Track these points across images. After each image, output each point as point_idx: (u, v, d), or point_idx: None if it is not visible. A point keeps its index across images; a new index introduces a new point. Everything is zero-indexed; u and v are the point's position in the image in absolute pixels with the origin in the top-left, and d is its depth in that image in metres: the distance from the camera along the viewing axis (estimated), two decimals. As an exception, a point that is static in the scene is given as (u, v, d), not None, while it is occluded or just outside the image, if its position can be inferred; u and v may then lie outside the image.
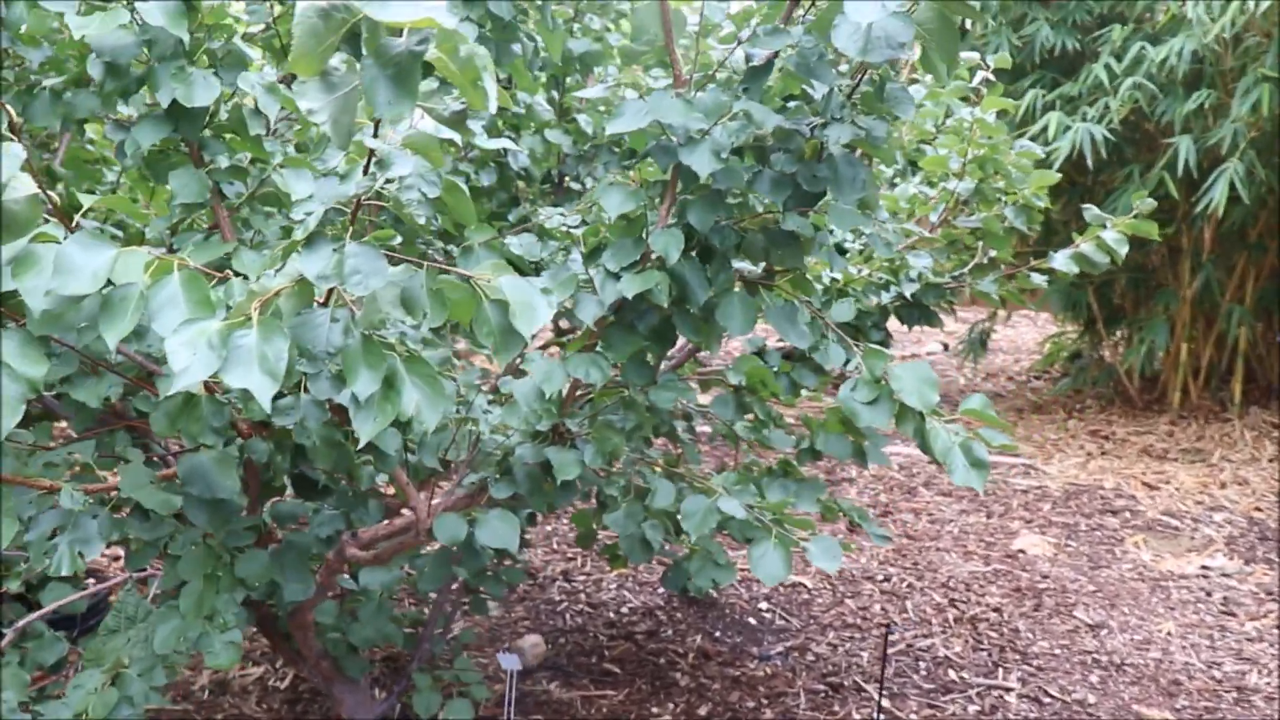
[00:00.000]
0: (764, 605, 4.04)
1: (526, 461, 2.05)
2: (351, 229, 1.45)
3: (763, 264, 2.09)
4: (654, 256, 1.87)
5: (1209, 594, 4.19)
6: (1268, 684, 3.50)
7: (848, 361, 1.96)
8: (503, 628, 3.92)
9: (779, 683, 3.49)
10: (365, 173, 1.51)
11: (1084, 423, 6.45)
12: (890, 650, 3.69)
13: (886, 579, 4.26)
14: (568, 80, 3.30)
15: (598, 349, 1.97)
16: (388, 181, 1.48)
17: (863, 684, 3.47)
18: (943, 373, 8.05)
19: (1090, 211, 3.06)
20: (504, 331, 1.40)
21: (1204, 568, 4.44)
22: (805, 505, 2.56)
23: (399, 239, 1.92)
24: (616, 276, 1.86)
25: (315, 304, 1.49)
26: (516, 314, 1.38)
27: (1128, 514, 5.02)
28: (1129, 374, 6.60)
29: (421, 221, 1.69)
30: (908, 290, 2.98)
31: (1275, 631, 3.88)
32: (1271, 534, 4.78)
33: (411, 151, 1.50)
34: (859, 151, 2.06)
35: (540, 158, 3.05)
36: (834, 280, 2.71)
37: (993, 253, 3.16)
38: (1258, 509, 5.05)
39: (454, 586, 3.24)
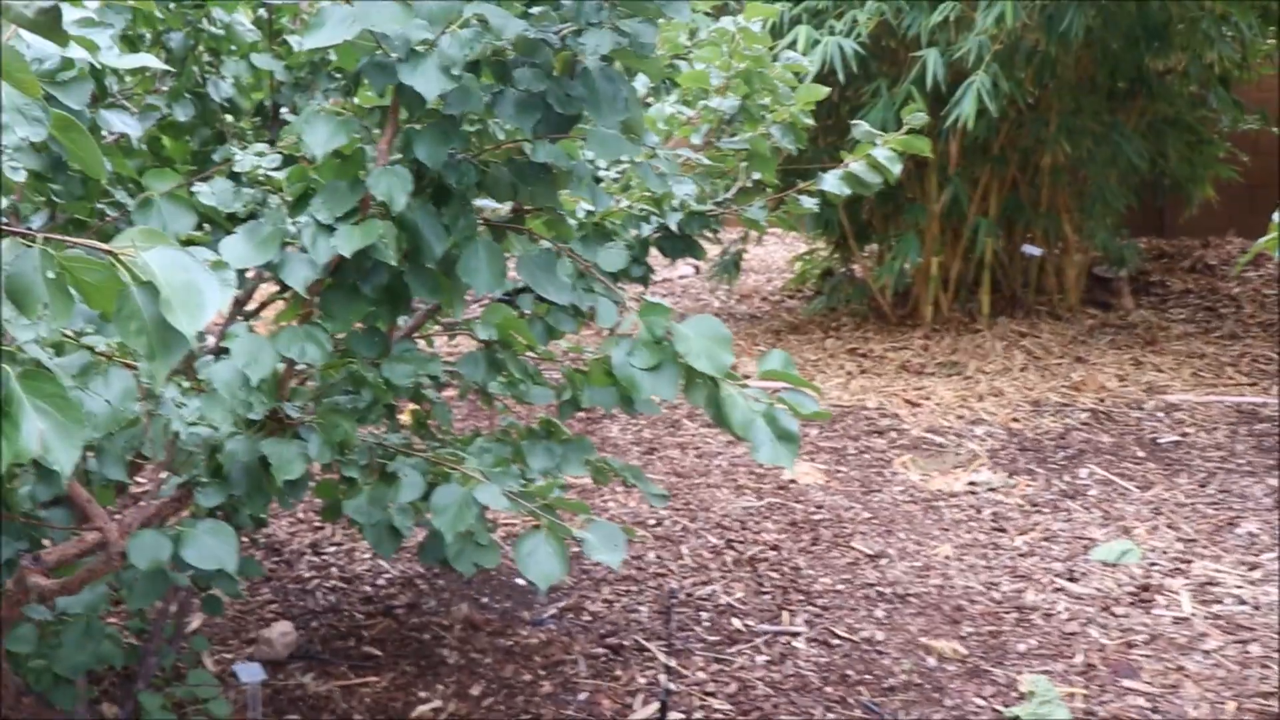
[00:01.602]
0: (534, 563, 3.77)
1: (240, 459, 1.69)
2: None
3: (510, 203, 1.77)
4: (376, 202, 1.52)
5: (979, 511, 4.17)
6: (1043, 600, 3.47)
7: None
8: (247, 615, 3.51)
9: (555, 650, 3.24)
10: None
11: (841, 341, 6.43)
12: (672, 601, 3.49)
13: (659, 523, 4.05)
14: (277, -7, 2.86)
15: (315, 319, 1.62)
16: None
17: (644, 643, 3.26)
18: (696, 296, 7.93)
19: (860, 128, 2.87)
20: (158, 328, 1.01)
21: (971, 483, 4.43)
22: (573, 469, 2.28)
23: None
24: (330, 229, 1.50)
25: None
26: (173, 303, 1.00)
27: (893, 434, 4.98)
28: (882, 290, 6.61)
29: (21, 177, 1.28)
30: (672, 221, 2.72)
31: (1044, 544, 3.87)
32: (1030, 443, 4.82)
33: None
34: (618, 65, 1.76)
35: (246, 87, 2.62)
36: (589, 215, 2.41)
37: (757, 175, 2.93)
38: (1014, 420, 5.10)
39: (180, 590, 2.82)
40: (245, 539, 3.80)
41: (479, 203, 1.79)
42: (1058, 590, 3.54)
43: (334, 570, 3.80)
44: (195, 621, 3.41)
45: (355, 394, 1.75)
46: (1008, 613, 3.40)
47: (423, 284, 1.61)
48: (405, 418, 2.56)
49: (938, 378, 5.72)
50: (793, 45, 5.31)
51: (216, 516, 1.75)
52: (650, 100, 3.08)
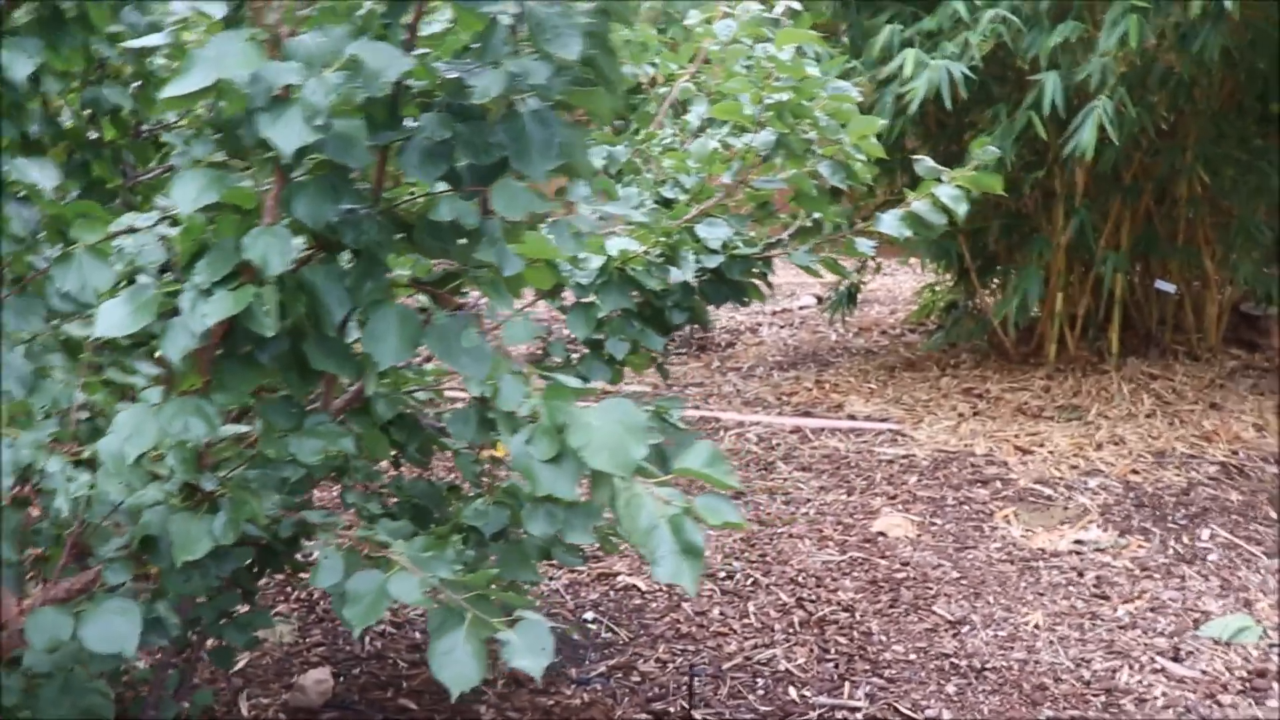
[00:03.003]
0: (590, 615, 3.59)
1: (155, 532, 1.55)
2: None
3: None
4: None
5: (1081, 574, 3.82)
6: (1139, 683, 3.14)
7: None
8: (294, 657, 3.42)
9: (596, 713, 3.05)
10: None
11: (957, 380, 6.09)
12: (725, 665, 3.27)
13: (729, 576, 3.83)
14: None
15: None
16: None
17: (691, 711, 3.04)
18: (814, 329, 7.66)
19: (923, 163, 2.62)
20: None
21: (1077, 542, 4.09)
22: (577, 535, 2.08)
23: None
24: (210, 294, 1.35)
25: None
26: None
27: (998, 484, 4.65)
28: (1003, 325, 6.24)
29: None
30: (710, 263, 2.52)
31: (1149, 615, 3.52)
32: (1147, 499, 4.44)
33: None
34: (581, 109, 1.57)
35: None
36: (609, 260, 2.23)
37: (817, 215, 2.70)
38: (1134, 471, 4.71)
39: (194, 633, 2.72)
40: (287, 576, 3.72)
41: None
42: (1157, 671, 3.20)
43: (386, 613, 3.68)
44: (242, 660, 3.34)
45: (276, 466, 1.60)
46: (1095, 695, 3.08)
47: (324, 353, 1.44)
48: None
49: (1056, 422, 5.35)
50: (899, 70, 5.03)
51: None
52: (704, 132, 2.89)
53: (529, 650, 1.42)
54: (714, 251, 2.51)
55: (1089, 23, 5.03)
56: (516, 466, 1.39)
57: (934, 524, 4.26)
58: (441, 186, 1.55)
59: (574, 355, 2.75)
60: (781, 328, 7.79)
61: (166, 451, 1.49)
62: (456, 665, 1.42)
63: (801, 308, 8.33)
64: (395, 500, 2.64)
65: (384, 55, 1.30)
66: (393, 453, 2.47)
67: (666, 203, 2.61)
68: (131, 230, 1.47)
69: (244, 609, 2.60)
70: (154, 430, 1.40)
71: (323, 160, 1.38)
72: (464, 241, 1.47)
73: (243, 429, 1.79)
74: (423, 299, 1.80)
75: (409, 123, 1.48)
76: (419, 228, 1.46)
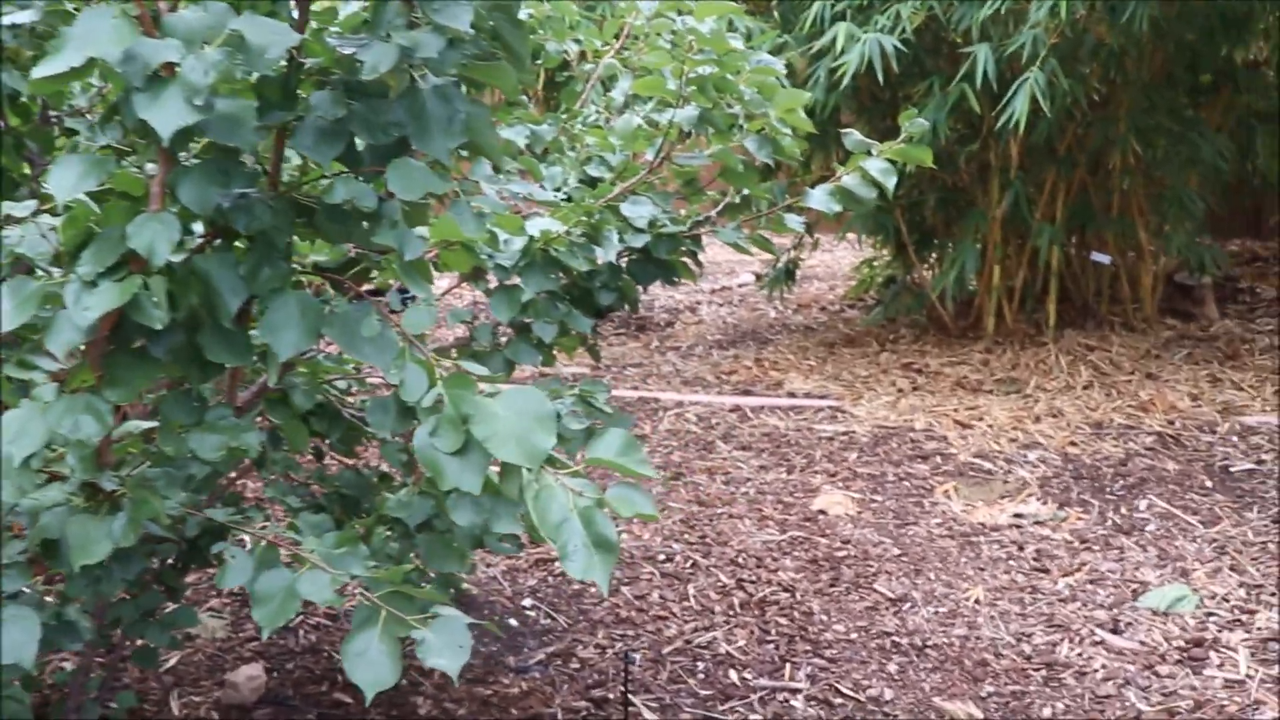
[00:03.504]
0: (528, 602, 3.53)
1: (50, 537, 1.47)
2: None
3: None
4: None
5: (1021, 548, 3.82)
6: (1079, 655, 3.13)
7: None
8: (226, 654, 3.33)
9: (534, 702, 2.99)
10: None
11: (896, 355, 6.08)
12: (665, 649, 3.23)
13: (669, 558, 3.78)
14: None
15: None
16: None
17: (632, 696, 2.99)
18: (753, 306, 7.63)
19: (851, 137, 2.57)
20: None
21: (1016, 516, 4.09)
22: (504, 525, 2.02)
23: None
24: (95, 285, 1.27)
25: None
26: None
27: (938, 459, 4.64)
28: (941, 300, 6.24)
29: None
30: (637, 242, 2.46)
31: (1089, 588, 3.53)
32: (1086, 470, 4.46)
33: None
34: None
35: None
36: (531, 240, 2.16)
37: (746, 191, 2.65)
38: (1072, 443, 4.73)
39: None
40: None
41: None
42: (1097, 644, 3.20)
43: (318, 605, 3.60)
44: (173, 659, 3.25)
45: (182, 463, 1.52)
46: (1036, 669, 3.07)
47: (221, 345, 1.37)
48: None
49: (995, 395, 5.35)
50: (832, 43, 4.99)
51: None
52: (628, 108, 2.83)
53: (445, 649, 1.36)
54: (640, 230, 2.45)
55: (1018, -5, 5.02)
56: (421, 460, 1.33)
57: (874, 501, 4.25)
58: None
59: (506, 338, 2.69)
60: (721, 306, 7.76)
61: (66, 450, 1.41)
62: (370, 667, 1.36)
63: (741, 285, 8.30)
64: (325, 492, 2.57)
65: (268, 30, 1.22)
66: (317, 442, 2.40)
67: (592, 181, 2.55)
68: (9, 220, 1.38)
69: (169, 607, 2.52)
70: (42, 430, 1.32)
71: (210, 143, 1.31)
72: (365, 225, 1.40)
73: (147, 425, 1.71)
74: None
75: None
76: (320, 211, 1.38)
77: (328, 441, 2.38)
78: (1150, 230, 6.22)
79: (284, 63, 1.32)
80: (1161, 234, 6.16)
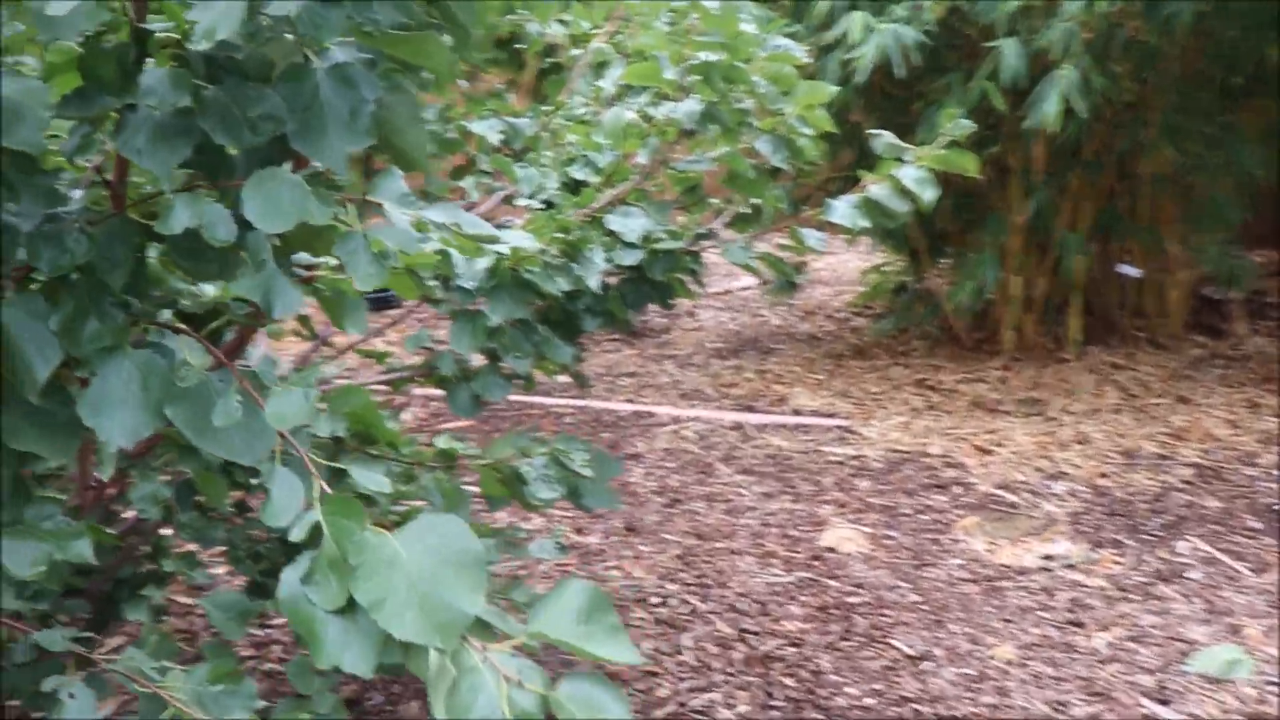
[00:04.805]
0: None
1: None
2: None
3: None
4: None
5: (1051, 595, 3.44)
6: (1126, 731, 2.75)
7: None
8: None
9: (505, 780, 2.60)
10: None
11: (909, 369, 5.70)
12: (656, 713, 2.84)
13: (663, 601, 3.40)
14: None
15: None
16: None
17: (615, 775, 2.60)
18: (755, 312, 7.25)
19: (882, 139, 2.19)
20: None
21: (1045, 557, 3.70)
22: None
23: None
24: None
25: None
26: None
27: (957, 489, 4.26)
28: (956, 311, 5.85)
29: None
30: (628, 259, 2.07)
31: (1130, 646, 3.14)
32: (1119, 506, 4.07)
33: None
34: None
35: None
36: (500, 260, 1.77)
37: (756, 200, 2.27)
38: (1102, 474, 4.34)
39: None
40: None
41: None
42: (1144, 718, 2.82)
43: (276, 649, 3.22)
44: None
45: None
46: (1078, 749, 2.70)
47: (28, 425, 0.98)
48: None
49: (1015, 418, 4.97)
50: (844, 35, 4.60)
51: None
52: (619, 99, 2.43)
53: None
54: (632, 246, 2.07)
55: (1049, -15, 4.63)
56: (290, 618, 0.94)
57: (888, 537, 3.86)
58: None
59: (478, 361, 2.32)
60: (721, 311, 7.38)
61: None
62: None
63: (742, 289, 7.92)
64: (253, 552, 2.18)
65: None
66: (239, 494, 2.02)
67: (575, 186, 2.17)
68: None
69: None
70: None
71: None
72: (220, 262, 1.01)
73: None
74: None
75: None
76: (168, 242, 0.99)
77: (252, 492, 2.00)
78: (1180, 240, 5.83)
79: (117, 32, 0.93)
80: (1190, 244, 5.77)
